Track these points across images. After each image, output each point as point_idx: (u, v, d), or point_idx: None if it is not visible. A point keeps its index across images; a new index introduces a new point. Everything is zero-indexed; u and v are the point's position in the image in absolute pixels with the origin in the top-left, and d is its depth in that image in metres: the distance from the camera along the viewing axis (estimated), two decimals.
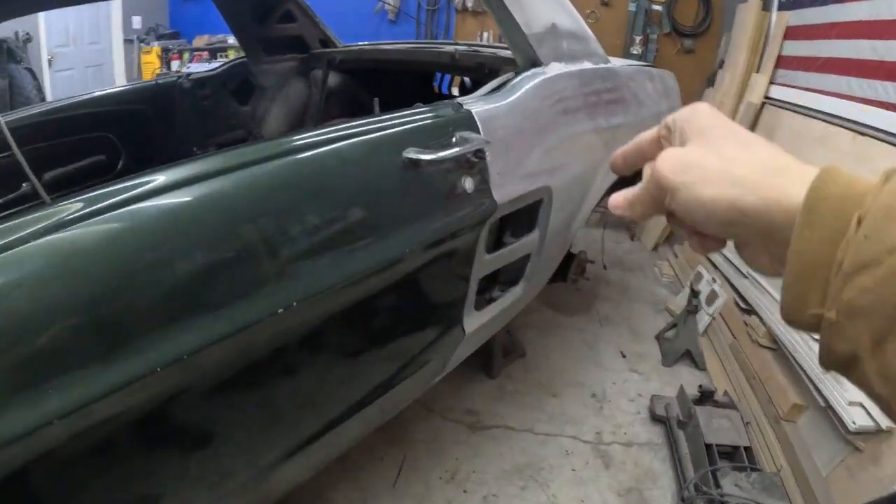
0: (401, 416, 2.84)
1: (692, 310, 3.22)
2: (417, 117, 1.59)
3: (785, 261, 0.37)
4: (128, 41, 6.31)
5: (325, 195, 1.31)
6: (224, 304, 1.06)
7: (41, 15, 5.06)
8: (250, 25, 3.35)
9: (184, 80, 3.24)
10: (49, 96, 5.14)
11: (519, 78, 1.93)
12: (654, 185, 0.45)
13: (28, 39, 5.03)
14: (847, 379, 0.36)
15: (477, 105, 1.72)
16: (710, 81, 5.09)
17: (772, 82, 4.07)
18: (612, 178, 2.45)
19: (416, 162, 1.48)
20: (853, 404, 2.23)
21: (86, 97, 2.93)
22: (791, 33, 3.91)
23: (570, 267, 2.82)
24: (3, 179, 2.21)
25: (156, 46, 6.38)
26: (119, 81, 5.66)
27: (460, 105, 1.70)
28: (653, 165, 0.46)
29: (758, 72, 4.22)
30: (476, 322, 1.91)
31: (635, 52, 5.58)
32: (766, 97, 4.09)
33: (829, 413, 2.35)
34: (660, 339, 3.44)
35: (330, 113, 3.52)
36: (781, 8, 4.04)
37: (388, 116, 1.56)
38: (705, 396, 2.68)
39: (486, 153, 1.67)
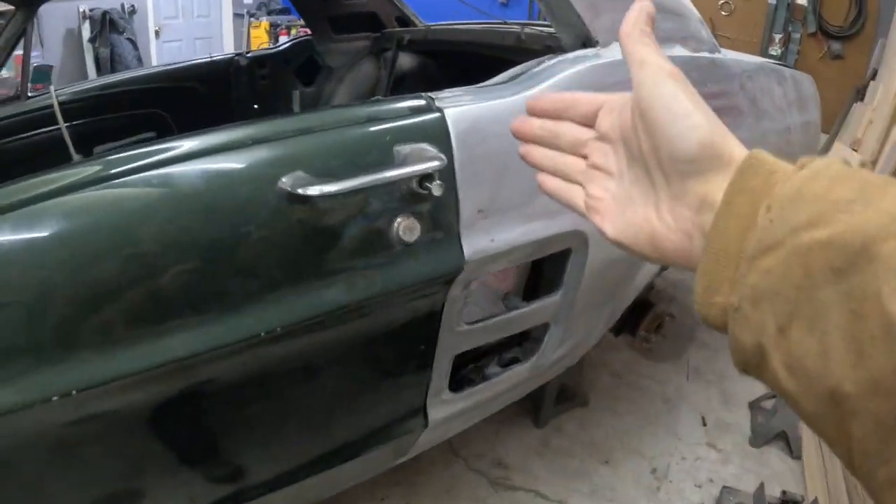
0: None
1: None
2: (333, 121, 0.88)
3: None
4: (237, 15, 5.96)
5: (126, 252, 0.74)
6: None
7: None
8: (315, 2, 2.76)
9: (240, 57, 2.72)
10: None
11: (551, 62, 1.15)
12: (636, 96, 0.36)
13: (133, 11, 4.81)
14: (761, 381, 0.31)
15: (459, 101, 0.98)
16: (860, 94, 3.84)
17: None
18: None
19: (301, 197, 0.79)
20: None
21: (140, 73, 2.60)
22: None
23: (640, 322, 1.98)
24: (57, 150, 1.91)
25: (265, 21, 5.94)
26: None
27: (431, 101, 0.97)
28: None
29: None
30: (449, 409, 1.19)
31: (773, 52, 4.36)
32: None
33: None
34: (754, 409, 2.50)
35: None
36: None
37: (281, 121, 0.87)
38: None
39: (457, 179, 0.93)
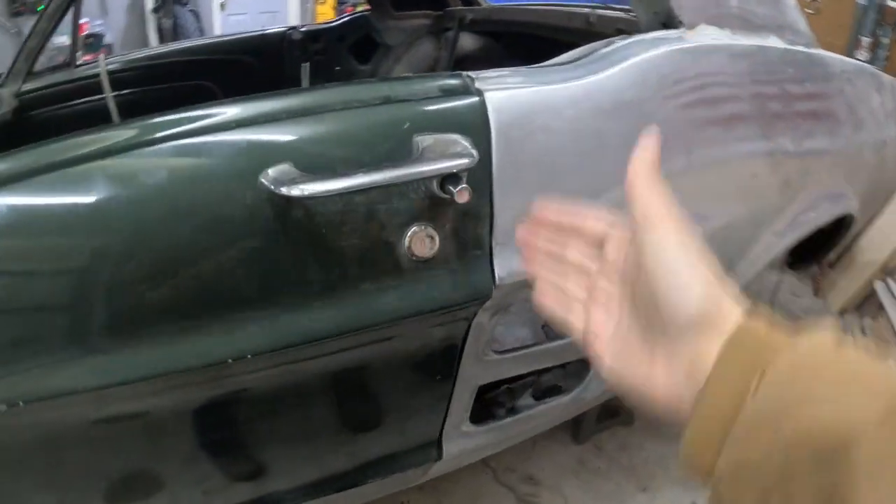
0: None
1: None
2: (339, 101, 0.69)
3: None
4: None
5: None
6: None
7: None
8: None
9: (294, 31, 2.56)
10: None
11: (623, 42, 0.91)
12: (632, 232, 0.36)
13: None
14: None
15: (505, 84, 0.76)
16: None
17: None
18: (796, 232, 1.32)
19: (283, 198, 0.60)
20: None
21: (192, 44, 2.50)
22: None
23: None
24: (104, 119, 1.82)
25: None
26: None
27: (470, 81, 0.75)
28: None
29: None
30: (469, 441, 0.98)
31: (860, 58, 3.90)
32: None
33: None
34: None
35: None
36: None
37: (276, 100, 0.68)
38: None
39: (493, 182, 0.72)
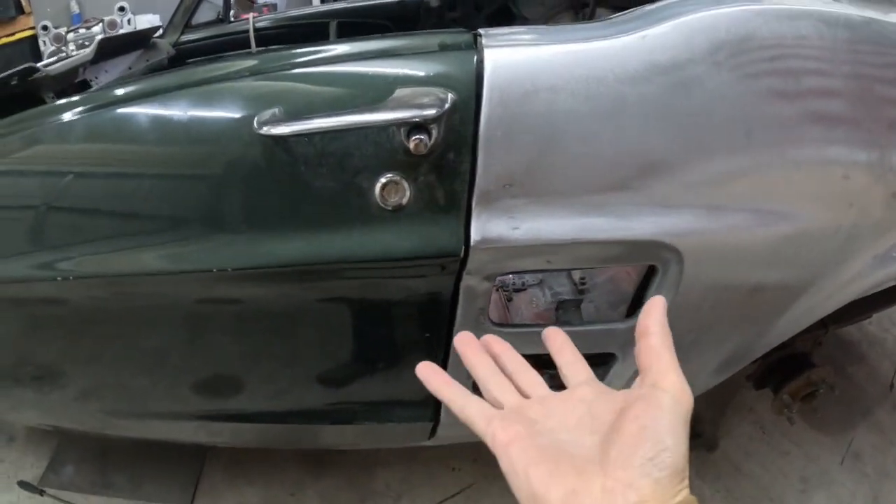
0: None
1: None
2: (340, 55, 0.75)
3: None
4: None
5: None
6: None
7: None
8: None
9: None
10: None
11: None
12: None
13: None
14: None
15: (514, 40, 0.74)
16: None
17: None
18: None
19: (275, 137, 0.69)
20: None
21: (335, 7, 2.67)
22: None
23: (787, 382, 1.48)
24: None
25: None
26: None
27: (476, 38, 0.75)
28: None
29: None
30: None
31: None
32: None
33: None
34: None
35: None
36: None
37: (288, 53, 0.77)
38: None
39: (479, 139, 0.71)
